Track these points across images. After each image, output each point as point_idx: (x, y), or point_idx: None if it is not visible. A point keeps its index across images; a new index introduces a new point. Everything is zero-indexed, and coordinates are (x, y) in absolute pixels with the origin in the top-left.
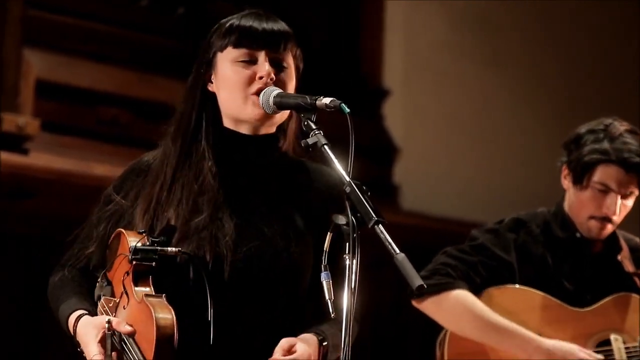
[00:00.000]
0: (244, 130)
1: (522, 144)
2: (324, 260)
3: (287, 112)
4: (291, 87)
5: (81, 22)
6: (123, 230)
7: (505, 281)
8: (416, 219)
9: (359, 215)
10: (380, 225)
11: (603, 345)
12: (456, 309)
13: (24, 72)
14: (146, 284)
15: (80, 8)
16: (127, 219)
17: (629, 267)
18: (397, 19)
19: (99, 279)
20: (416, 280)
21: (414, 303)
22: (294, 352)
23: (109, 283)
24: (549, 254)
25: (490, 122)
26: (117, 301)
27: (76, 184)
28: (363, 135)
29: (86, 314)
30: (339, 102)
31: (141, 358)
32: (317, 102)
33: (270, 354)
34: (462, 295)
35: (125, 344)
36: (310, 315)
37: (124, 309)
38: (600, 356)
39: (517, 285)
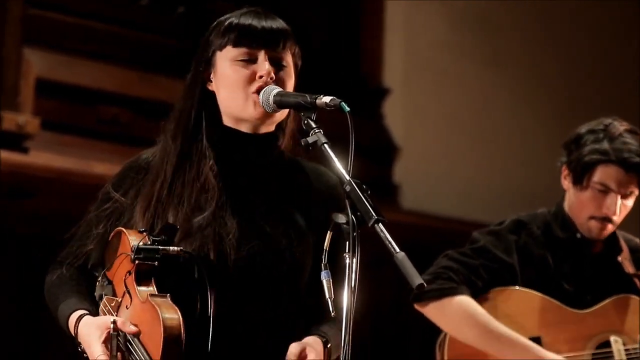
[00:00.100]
0: (244, 128)
1: (522, 144)
2: (324, 259)
3: (287, 110)
4: (290, 86)
5: (81, 21)
6: (124, 229)
7: (506, 283)
8: (416, 218)
9: (359, 214)
10: (380, 224)
11: (603, 347)
12: (458, 315)
13: (24, 71)
14: (149, 284)
15: (81, 7)
16: (127, 217)
17: (629, 268)
18: (397, 19)
19: (99, 278)
20: (416, 279)
21: (416, 306)
22: (305, 356)
23: (110, 282)
24: (550, 254)
25: (490, 122)
26: (119, 301)
27: (76, 182)
28: (363, 134)
29: (87, 314)
30: (339, 100)
31: (148, 359)
32: (317, 100)
33: (271, 353)
34: (465, 301)
35: (131, 344)
36: (310, 313)
37: (127, 308)
38: None
39: (517, 287)
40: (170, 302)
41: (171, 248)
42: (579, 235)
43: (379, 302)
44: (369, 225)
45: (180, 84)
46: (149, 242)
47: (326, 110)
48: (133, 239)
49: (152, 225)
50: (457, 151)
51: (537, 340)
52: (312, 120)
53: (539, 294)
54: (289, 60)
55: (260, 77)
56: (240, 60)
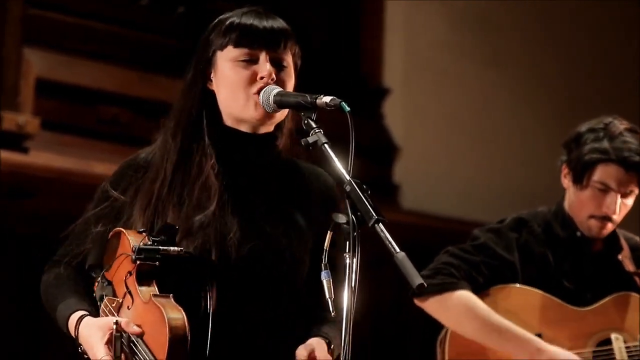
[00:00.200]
0: (244, 128)
1: (522, 144)
2: (324, 259)
3: (286, 111)
4: (290, 86)
5: (81, 21)
6: (123, 230)
7: (507, 280)
8: (416, 217)
9: (359, 214)
10: (380, 224)
11: (604, 345)
12: (458, 309)
13: (24, 71)
14: (150, 284)
15: (81, 7)
16: (126, 216)
17: (629, 266)
18: (397, 19)
19: (98, 279)
20: (416, 279)
21: (417, 302)
22: (314, 358)
23: (110, 283)
24: (550, 252)
25: (490, 122)
26: (120, 301)
27: (76, 182)
28: (363, 134)
29: (87, 314)
30: (339, 100)
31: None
32: (317, 100)
33: (271, 353)
34: (465, 296)
35: (135, 345)
36: (309, 313)
37: (128, 309)
38: None
39: (517, 285)
40: (174, 302)
41: (171, 248)
42: (579, 234)
43: (379, 302)
44: (369, 225)
45: (180, 84)
46: (149, 243)
47: (326, 110)
48: (133, 240)
49: (152, 224)
50: (457, 151)
51: (538, 337)
52: (312, 120)
53: (540, 292)
54: (289, 60)
55: (262, 78)
56: (241, 61)
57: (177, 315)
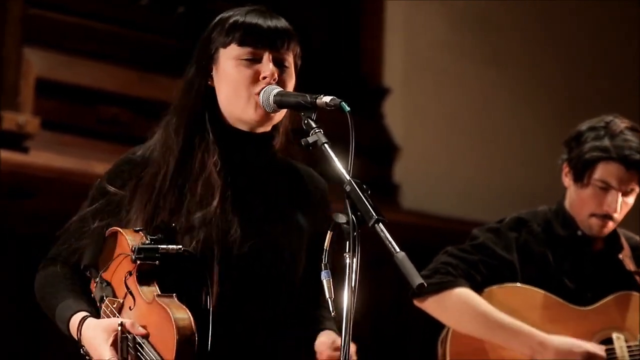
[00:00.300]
0: (243, 127)
1: (522, 144)
2: (324, 259)
3: (285, 111)
4: (291, 86)
5: (81, 21)
6: (120, 230)
7: (506, 280)
8: (416, 217)
9: (359, 213)
10: (380, 224)
11: (605, 344)
12: (458, 307)
13: (24, 71)
14: (151, 284)
15: (81, 7)
16: (125, 210)
17: (630, 265)
18: (397, 19)
19: (96, 280)
20: (416, 279)
21: (416, 302)
22: (338, 347)
23: (108, 284)
24: (550, 252)
25: (490, 122)
26: (122, 302)
27: (76, 182)
28: (363, 134)
29: (89, 315)
30: (339, 100)
31: None
32: (317, 100)
33: (271, 350)
34: (464, 293)
35: (141, 346)
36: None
37: (130, 309)
38: (602, 347)
39: (518, 284)
40: (178, 302)
41: (170, 247)
42: (579, 233)
43: (379, 302)
44: (369, 225)
45: (180, 84)
46: (147, 242)
47: (326, 110)
48: (131, 239)
49: (152, 218)
50: (457, 151)
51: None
52: (312, 120)
53: (541, 291)
54: (290, 60)
55: (264, 78)
56: (245, 60)
57: (183, 315)
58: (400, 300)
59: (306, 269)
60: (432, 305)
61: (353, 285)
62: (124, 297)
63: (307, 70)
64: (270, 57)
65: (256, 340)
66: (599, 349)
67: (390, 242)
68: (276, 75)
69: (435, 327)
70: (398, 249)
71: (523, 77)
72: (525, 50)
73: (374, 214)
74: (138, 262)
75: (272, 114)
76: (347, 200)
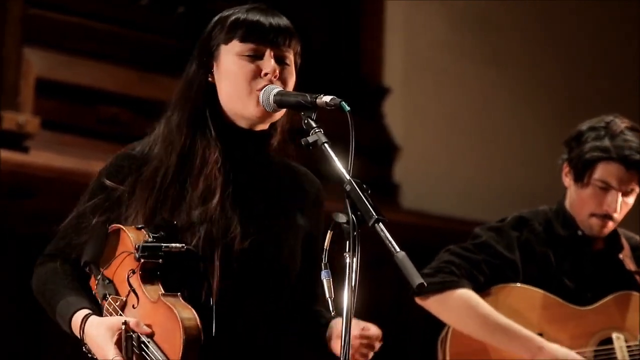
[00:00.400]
0: (242, 124)
1: (522, 144)
2: (324, 258)
3: (284, 110)
4: (291, 84)
5: (81, 21)
6: (122, 227)
7: (508, 279)
8: (416, 217)
9: (359, 213)
10: (380, 224)
11: (605, 344)
12: (460, 307)
13: (24, 71)
14: (155, 282)
15: (81, 7)
16: (125, 206)
17: (630, 265)
18: (397, 19)
19: (98, 278)
20: (416, 279)
21: (418, 301)
22: (367, 329)
23: (110, 281)
24: (551, 251)
25: (490, 122)
26: (124, 300)
27: (76, 182)
28: (363, 134)
29: (92, 313)
30: (339, 100)
31: None
32: (317, 100)
33: (272, 345)
34: (466, 294)
35: (146, 345)
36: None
37: (134, 308)
38: None
39: (518, 284)
40: (183, 301)
41: (173, 245)
42: (580, 233)
43: (379, 302)
44: (369, 224)
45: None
46: (150, 239)
47: (326, 109)
48: (134, 237)
49: (153, 213)
50: (457, 151)
51: (539, 336)
52: (312, 119)
53: (541, 291)
54: (291, 58)
55: (265, 74)
56: (246, 56)
57: (189, 315)
58: (400, 300)
59: (302, 266)
60: (433, 304)
61: (353, 285)
62: (127, 295)
63: (307, 71)
64: (272, 54)
65: (258, 335)
66: None
67: (390, 242)
68: (277, 72)
69: (435, 327)
70: (398, 249)
71: (523, 77)
72: (525, 50)
73: (374, 214)
74: (142, 260)
75: (272, 113)
76: (347, 200)
